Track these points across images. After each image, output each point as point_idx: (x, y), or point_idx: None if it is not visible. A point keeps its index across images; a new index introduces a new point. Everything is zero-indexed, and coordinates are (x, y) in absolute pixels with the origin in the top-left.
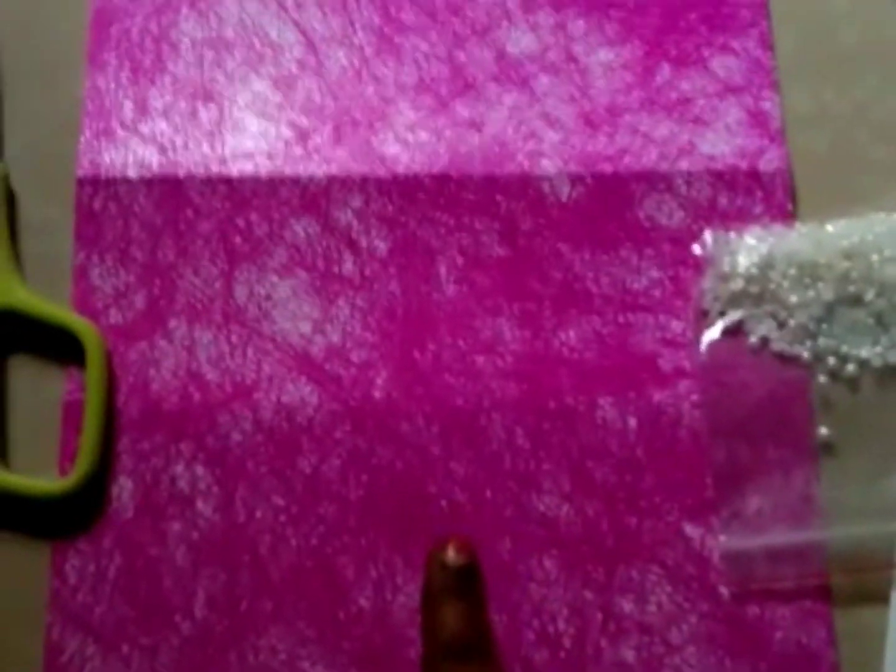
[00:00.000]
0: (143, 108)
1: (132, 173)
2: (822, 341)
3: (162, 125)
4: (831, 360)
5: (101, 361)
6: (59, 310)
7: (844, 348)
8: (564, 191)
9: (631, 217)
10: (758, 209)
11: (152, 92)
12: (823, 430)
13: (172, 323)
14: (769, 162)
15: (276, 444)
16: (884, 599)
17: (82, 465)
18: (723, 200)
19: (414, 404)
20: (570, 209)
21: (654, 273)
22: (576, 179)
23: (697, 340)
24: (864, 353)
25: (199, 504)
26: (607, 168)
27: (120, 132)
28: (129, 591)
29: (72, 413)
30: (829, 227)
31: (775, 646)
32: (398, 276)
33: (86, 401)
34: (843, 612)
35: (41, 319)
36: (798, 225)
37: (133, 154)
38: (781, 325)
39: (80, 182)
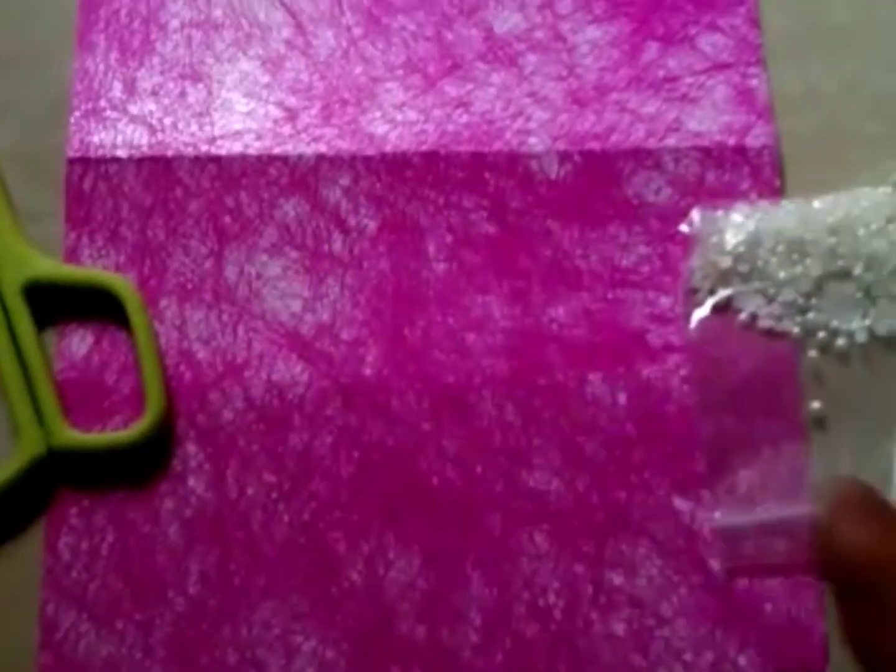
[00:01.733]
0: (132, 89)
1: (122, 153)
2: (811, 316)
3: (151, 105)
4: (821, 335)
5: (142, 309)
6: (90, 271)
7: (834, 322)
8: (553, 169)
9: (619, 194)
10: (745, 185)
11: (141, 73)
12: (814, 405)
13: (163, 302)
14: (756, 138)
15: (267, 422)
16: None
17: (153, 406)
18: (710, 177)
19: (404, 381)
20: (558, 187)
21: (643, 249)
22: (564, 157)
23: (686, 316)
24: (854, 326)
25: (192, 481)
26: (595, 146)
27: (109, 112)
28: (122, 568)
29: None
30: (816, 203)
31: (765, 618)
32: (387, 254)
33: (139, 349)
34: None
35: (73, 284)
36: (784, 202)
37: (122, 134)
38: (770, 301)
39: (70, 162)
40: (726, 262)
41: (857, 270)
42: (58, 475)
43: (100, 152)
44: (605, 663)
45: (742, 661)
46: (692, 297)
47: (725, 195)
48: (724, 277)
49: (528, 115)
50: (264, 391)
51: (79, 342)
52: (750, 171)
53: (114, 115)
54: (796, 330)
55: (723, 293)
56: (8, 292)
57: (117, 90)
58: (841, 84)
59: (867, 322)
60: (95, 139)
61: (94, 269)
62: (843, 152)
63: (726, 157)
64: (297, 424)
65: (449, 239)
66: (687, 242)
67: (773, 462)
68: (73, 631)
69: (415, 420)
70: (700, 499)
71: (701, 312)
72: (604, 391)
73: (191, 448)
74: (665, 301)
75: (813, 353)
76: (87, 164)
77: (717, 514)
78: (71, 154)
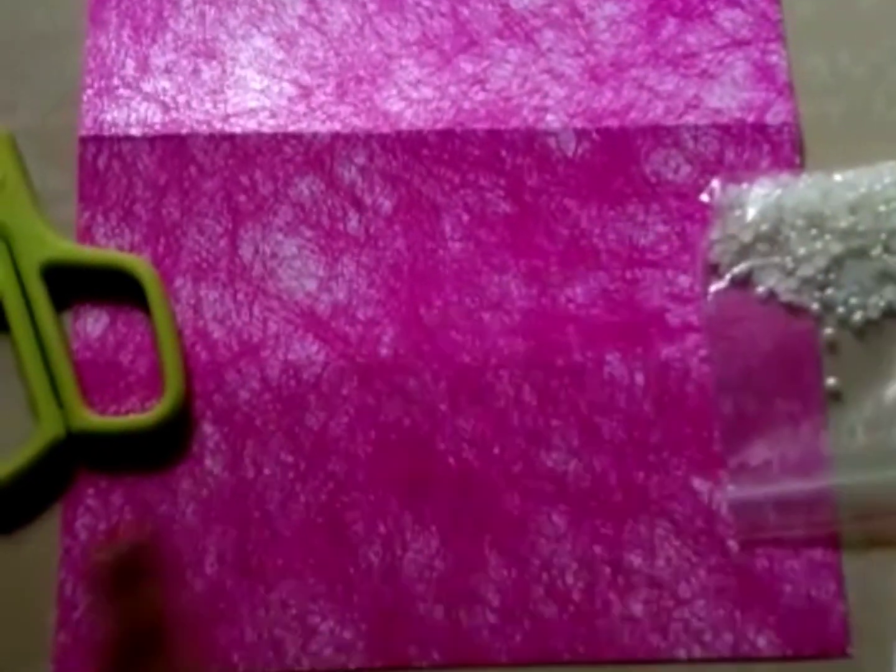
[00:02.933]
0: (145, 67)
1: (135, 131)
2: (829, 292)
3: (164, 83)
4: (839, 310)
5: (160, 289)
6: (108, 252)
7: (853, 299)
8: (570, 146)
9: (637, 172)
10: (765, 163)
11: (154, 50)
12: (831, 381)
13: (178, 282)
14: (776, 115)
15: (283, 402)
16: (894, 545)
17: (172, 389)
18: (730, 154)
19: (421, 361)
20: (576, 165)
21: (661, 228)
22: (581, 135)
23: (705, 294)
24: (872, 302)
25: (208, 462)
26: (613, 123)
27: (122, 90)
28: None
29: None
30: (837, 177)
31: (784, 598)
32: (403, 233)
33: (157, 330)
34: (852, 559)
35: (91, 265)
36: (805, 175)
37: (136, 112)
38: (789, 275)
39: (83, 141)
40: (747, 236)
41: (877, 250)
42: (75, 456)
43: (113, 130)
44: (623, 644)
45: (761, 642)
46: (710, 273)
47: (745, 172)
48: (745, 251)
49: (545, 92)
50: (280, 371)
51: (93, 322)
52: (770, 148)
53: (127, 92)
54: (815, 306)
55: (742, 266)
56: (27, 274)
57: (130, 68)
58: (867, 70)
59: (885, 299)
60: (109, 117)
61: (112, 250)
62: (865, 137)
63: (746, 134)
64: (313, 404)
65: (465, 218)
66: (706, 220)
67: (790, 437)
68: (92, 611)
69: (431, 400)
70: (719, 479)
71: (719, 286)
72: (622, 371)
73: (207, 428)
74: (684, 280)
75: (830, 329)
76: (101, 143)
77: (734, 488)
78: (84, 132)
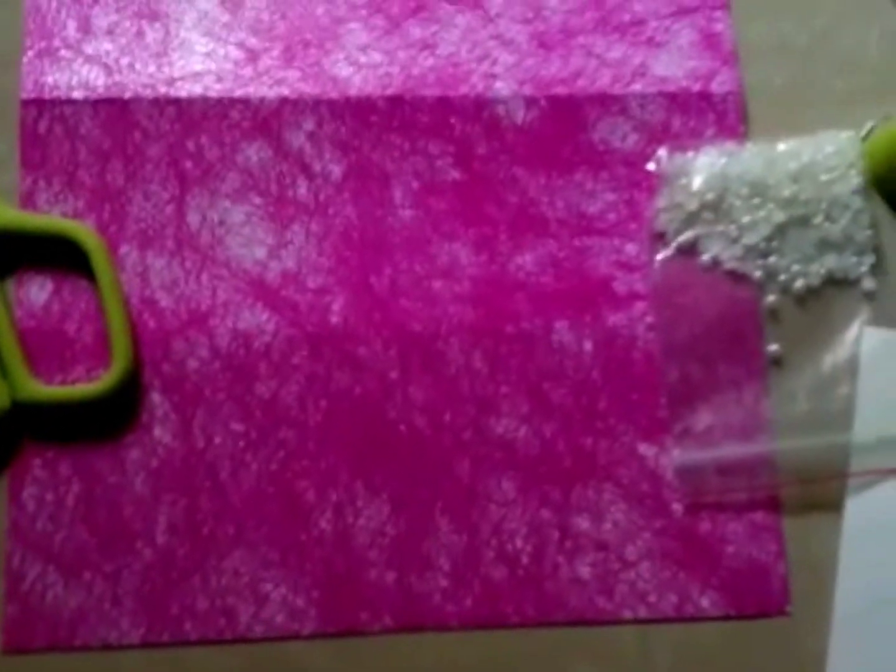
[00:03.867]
0: (86, 28)
1: (77, 94)
2: (772, 260)
3: (107, 45)
4: (781, 277)
5: (107, 257)
6: (52, 219)
7: (795, 267)
8: (519, 114)
9: (585, 140)
10: (710, 131)
11: (96, 11)
12: (773, 347)
13: (124, 249)
14: (721, 84)
15: (233, 371)
16: (834, 508)
17: (120, 358)
18: (676, 122)
19: (371, 330)
20: (524, 132)
21: (609, 196)
22: (530, 102)
23: (651, 262)
24: (813, 270)
25: (157, 431)
26: (561, 91)
27: (64, 52)
28: (89, 519)
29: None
30: (781, 146)
31: (726, 560)
32: (353, 200)
33: (103, 298)
34: (792, 522)
35: (34, 232)
36: (749, 144)
37: (78, 75)
38: (733, 243)
39: (24, 104)
40: (693, 205)
41: (818, 218)
42: (21, 427)
43: (54, 93)
44: (571, 606)
45: (704, 602)
46: (657, 241)
47: (690, 141)
48: (690, 220)
49: (493, 59)
50: (230, 340)
51: (38, 291)
52: (715, 117)
53: (68, 54)
54: (758, 273)
55: (688, 234)
56: None
57: (71, 29)
58: (811, 37)
59: (826, 267)
60: (50, 80)
61: (55, 217)
62: (809, 104)
63: (692, 102)
64: (263, 373)
65: (415, 185)
66: (652, 188)
67: (734, 403)
68: (40, 582)
69: (382, 368)
70: (664, 444)
71: (665, 254)
72: (570, 339)
73: (156, 397)
74: (631, 248)
75: (773, 296)
76: (42, 106)
77: (678, 452)
78: (24, 95)
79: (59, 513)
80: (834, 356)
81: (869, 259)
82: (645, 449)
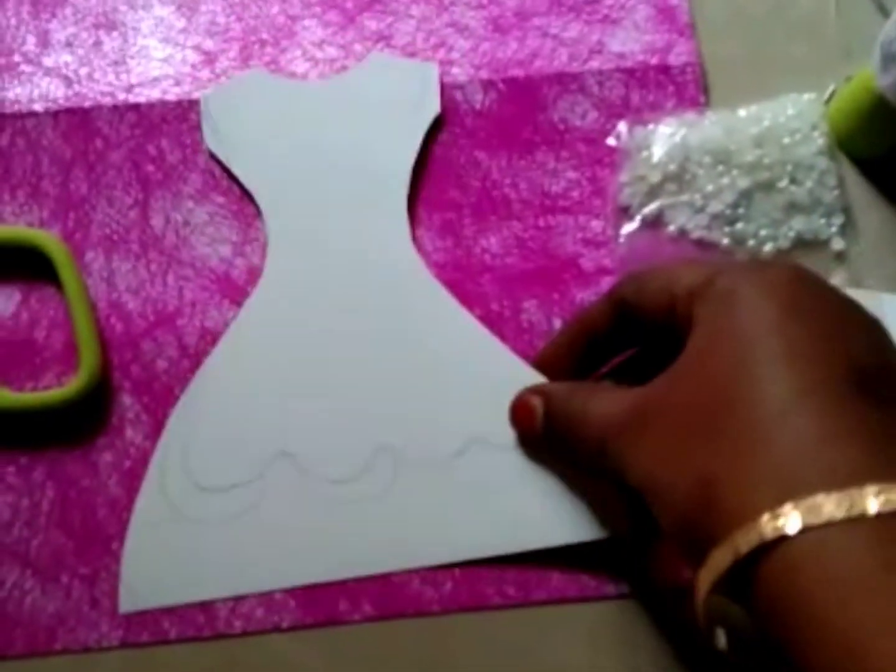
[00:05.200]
0: (45, 41)
1: (38, 107)
2: (739, 226)
3: (66, 57)
4: (750, 243)
5: (71, 263)
6: (15, 228)
7: (763, 232)
8: (477, 98)
9: (545, 120)
10: (670, 104)
11: (54, 24)
12: None
13: (89, 255)
14: (679, 56)
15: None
16: None
17: (88, 362)
18: (635, 97)
19: None
20: (484, 116)
21: (572, 174)
22: (488, 86)
23: (617, 237)
24: (782, 233)
25: (129, 433)
26: (519, 73)
27: (24, 66)
28: (64, 523)
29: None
30: (742, 112)
31: None
32: None
33: (70, 304)
34: None
35: (2, 244)
36: (710, 112)
37: (38, 88)
38: (699, 212)
39: None
40: (655, 177)
41: (783, 182)
42: None
43: (16, 107)
44: (553, 585)
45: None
46: (622, 215)
47: (651, 115)
48: (654, 192)
49: (449, 46)
50: (198, 338)
51: (6, 300)
52: (674, 89)
53: (28, 68)
54: (725, 241)
55: (652, 207)
56: None
57: (31, 43)
58: (766, 6)
59: (794, 228)
60: (11, 94)
61: (19, 226)
62: (768, 72)
63: (650, 76)
64: None
65: None
66: (615, 164)
67: None
68: (18, 588)
69: None
70: None
71: (630, 228)
72: (539, 317)
73: (126, 399)
74: (596, 224)
75: None
76: (4, 120)
77: None
78: None
79: (34, 518)
80: None
81: (838, 219)
82: None
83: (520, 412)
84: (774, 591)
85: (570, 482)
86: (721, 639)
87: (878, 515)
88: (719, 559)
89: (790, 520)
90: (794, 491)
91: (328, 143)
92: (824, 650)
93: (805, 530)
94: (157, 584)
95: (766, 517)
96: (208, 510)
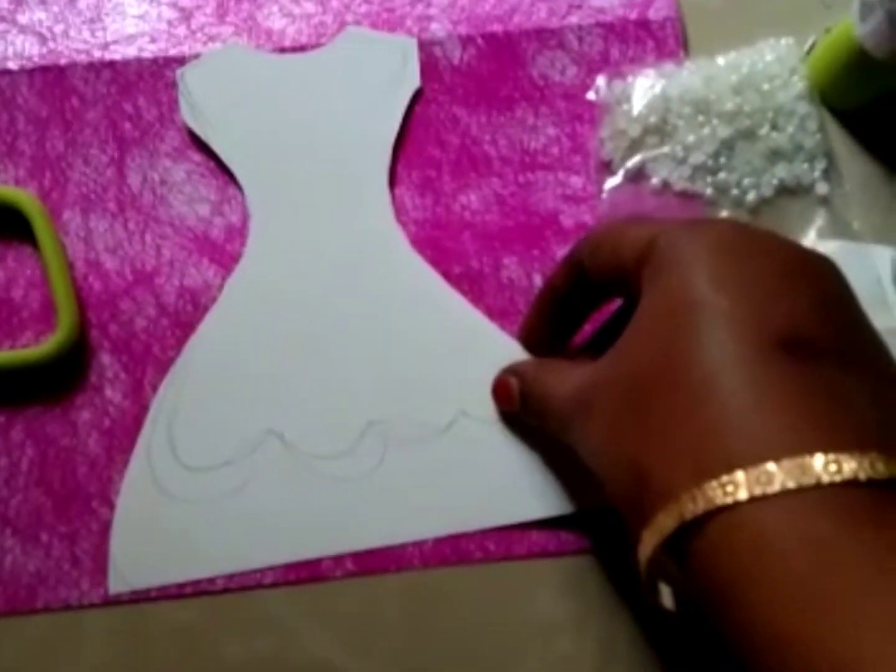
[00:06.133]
0: None
1: (13, 65)
2: (722, 176)
3: (40, 14)
4: (734, 192)
5: (48, 222)
6: None
7: (745, 180)
8: (456, 54)
9: (524, 76)
10: (650, 58)
11: None
12: None
13: (66, 214)
14: (658, 10)
15: (181, 327)
16: None
17: (65, 320)
18: (615, 52)
19: None
20: (462, 72)
21: (551, 131)
22: (467, 42)
23: (599, 193)
24: (765, 181)
25: (108, 391)
26: (497, 28)
27: None
28: (44, 482)
29: None
30: (720, 60)
31: None
32: None
33: (46, 263)
34: None
35: None
36: (688, 62)
37: (12, 46)
38: (681, 164)
39: None
40: (636, 130)
41: (764, 129)
42: None
43: None
44: (533, 540)
45: None
46: (604, 170)
47: (629, 67)
48: (635, 145)
49: (427, 1)
50: (177, 297)
51: None
52: (654, 44)
53: (2, 26)
54: (708, 191)
55: (635, 160)
56: None
57: (4, 1)
58: None
59: (776, 176)
60: None
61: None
62: (747, 23)
63: (629, 31)
64: None
65: None
66: (594, 119)
67: None
68: None
69: None
70: None
71: (613, 182)
72: (520, 274)
73: (105, 358)
74: (576, 181)
75: (725, 211)
76: None
77: None
78: None
79: (13, 478)
80: None
81: (820, 164)
82: None
83: (500, 391)
84: (712, 560)
85: (554, 455)
86: (666, 598)
87: (827, 484)
88: (663, 524)
89: (740, 490)
90: (730, 461)
91: (307, 119)
92: (758, 628)
93: (752, 500)
94: (147, 565)
95: (713, 484)
96: (197, 490)
